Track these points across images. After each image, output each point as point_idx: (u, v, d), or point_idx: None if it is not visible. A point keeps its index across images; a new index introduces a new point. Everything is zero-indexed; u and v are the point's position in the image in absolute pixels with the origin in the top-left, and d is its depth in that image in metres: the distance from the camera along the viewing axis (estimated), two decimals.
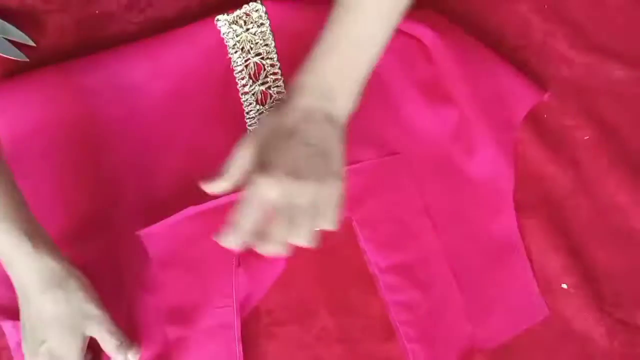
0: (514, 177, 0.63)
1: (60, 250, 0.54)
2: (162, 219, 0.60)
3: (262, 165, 0.48)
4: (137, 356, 0.57)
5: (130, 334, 0.58)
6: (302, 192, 0.47)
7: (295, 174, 0.47)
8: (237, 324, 0.57)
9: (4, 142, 0.64)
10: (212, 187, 0.51)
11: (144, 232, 0.60)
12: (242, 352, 0.58)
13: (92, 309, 0.54)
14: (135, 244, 0.61)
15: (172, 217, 0.60)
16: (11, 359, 0.61)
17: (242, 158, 0.50)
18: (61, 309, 0.53)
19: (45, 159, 0.64)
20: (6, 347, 0.62)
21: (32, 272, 0.52)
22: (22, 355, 0.60)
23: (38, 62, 0.67)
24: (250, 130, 0.50)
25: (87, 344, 0.55)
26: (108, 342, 0.55)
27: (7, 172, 0.54)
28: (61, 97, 0.64)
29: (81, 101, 0.64)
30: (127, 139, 0.64)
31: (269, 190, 0.47)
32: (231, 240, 0.48)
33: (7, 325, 0.61)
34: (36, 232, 0.53)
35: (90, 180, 0.63)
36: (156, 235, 0.60)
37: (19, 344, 0.61)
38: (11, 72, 0.67)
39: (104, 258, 0.62)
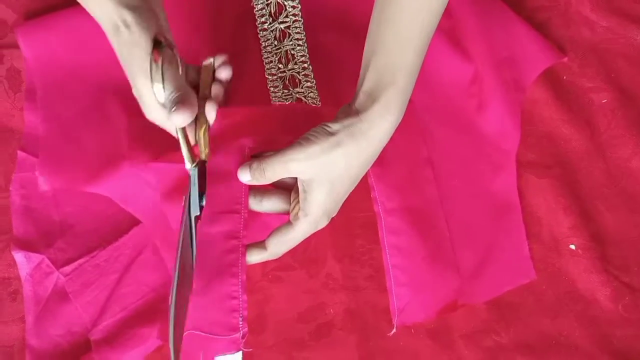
0: (519, 138, 0.63)
1: None
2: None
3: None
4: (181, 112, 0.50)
5: None
6: None
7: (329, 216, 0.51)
8: (243, 235, 0.52)
9: (37, 86, 0.64)
10: (243, 177, 0.52)
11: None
12: (245, 268, 0.52)
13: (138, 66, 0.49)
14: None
15: None
16: (21, 288, 0.62)
17: (285, 175, 0.50)
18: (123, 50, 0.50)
19: (76, 102, 0.64)
20: (17, 277, 0.63)
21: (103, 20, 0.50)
22: (31, 285, 0.62)
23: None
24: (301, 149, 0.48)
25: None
26: (159, 96, 0.50)
27: None
28: (90, 40, 0.64)
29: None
30: None
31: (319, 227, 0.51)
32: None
33: (19, 256, 0.62)
34: None
35: (120, 121, 0.64)
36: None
37: (29, 274, 0.62)
38: (37, 12, 0.68)
39: (135, 196, 0.62)
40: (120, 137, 0.63)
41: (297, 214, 0.50)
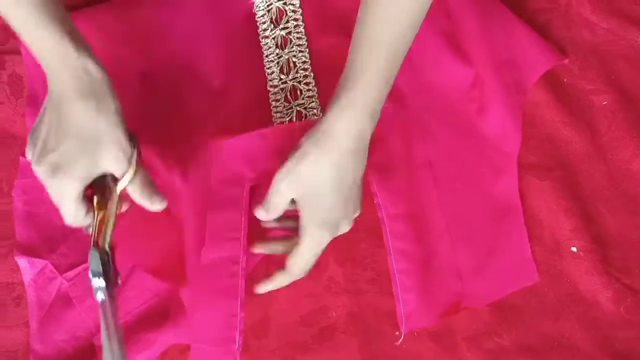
0: (520, 141, 0.63)
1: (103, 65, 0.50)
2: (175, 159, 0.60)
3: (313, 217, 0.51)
4: (163, 205, 0.53)
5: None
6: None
7: (349, 220, 0.52)
8: (242, 260, 0.56)
9: (40, 92, 0.64)
10: (261, 216, 0.54)
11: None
12: (244, 288, 0.56)
13: (119, 135, 0.49)
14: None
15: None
16: (25, 294, 0.62)
17: (282, 202, 0.52)
18: (87, 120, 0.48)
19: None
20: (20, 283, 0.63)
21: (71, 78, 0.47)
22: (35, 290, 0.62)
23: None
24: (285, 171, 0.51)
25: (89, 180, 0.50)
26: (124, 181, 0.50)
27: None
28: (90, 45, 0.65)
29: (112, 46, 0.65)
30: (154, 80, 0.64)
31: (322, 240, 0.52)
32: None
33: (22, 262, 0.62)
34: (78, 37, 0.48)
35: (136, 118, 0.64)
36: None
37: (33, 280, 0.62)
38: None
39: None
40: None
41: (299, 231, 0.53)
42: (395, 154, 0.58)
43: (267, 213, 0.53)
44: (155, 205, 0.53)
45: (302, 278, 0.62)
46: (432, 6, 0.64)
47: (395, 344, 0.59)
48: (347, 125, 0.49)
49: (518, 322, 0.61)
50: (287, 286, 0.61)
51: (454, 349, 0.61)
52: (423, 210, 0.61)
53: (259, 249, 0.57)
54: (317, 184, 0.50)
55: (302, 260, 0.53)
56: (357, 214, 0.53)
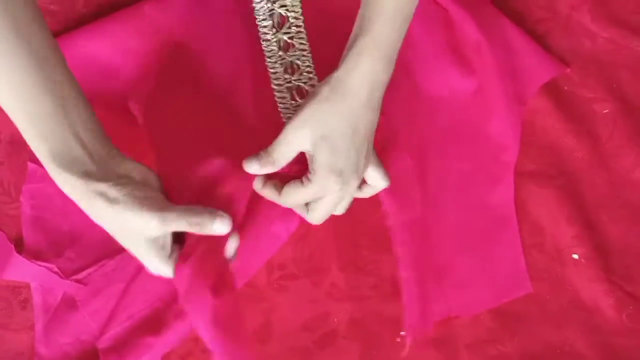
0: (518, 151, 0.64)
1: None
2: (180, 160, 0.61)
3: (326, 164, 0.50)
4: (225, 223, 0.49)
5: None
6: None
7: (358, 176, 0.51)
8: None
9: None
10: (252, 169, 0.52)
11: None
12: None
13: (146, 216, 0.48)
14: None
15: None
16: (31, 297, 0.63)
17: (290, 151, 0.51)
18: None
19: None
20: (27, 286, 0.63)
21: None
22: (41, 293, 0.63)
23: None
24: (294, 121, 0.50)
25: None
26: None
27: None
28: (86, 57, 0.65)
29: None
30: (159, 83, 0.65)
31: (335, 188, 0.50)
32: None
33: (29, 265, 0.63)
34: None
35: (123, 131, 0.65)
36: None
37: (39, 283, 0.63)
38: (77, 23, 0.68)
39: None
40: (124, 149, 0.64)
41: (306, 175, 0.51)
42: (398, 162, 0.59)
43: (273, 165, 0.51)
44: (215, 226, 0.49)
45: (304, 283, 0.62)
46: (432, 17, 0.65)
47: (402, 354, 0.59)
48: (363, 72, 0.49)
49: (520, 329, 0.61)
50: (289, 292, 0.62)
51: (456, 356, 0.61)
52: (428, 218, 0.61)
53: (259, 187, 0.54)
54: (333, 128, 0.49)
55: (298, 198, 0.52)
56: (361, 177, 0.52)
